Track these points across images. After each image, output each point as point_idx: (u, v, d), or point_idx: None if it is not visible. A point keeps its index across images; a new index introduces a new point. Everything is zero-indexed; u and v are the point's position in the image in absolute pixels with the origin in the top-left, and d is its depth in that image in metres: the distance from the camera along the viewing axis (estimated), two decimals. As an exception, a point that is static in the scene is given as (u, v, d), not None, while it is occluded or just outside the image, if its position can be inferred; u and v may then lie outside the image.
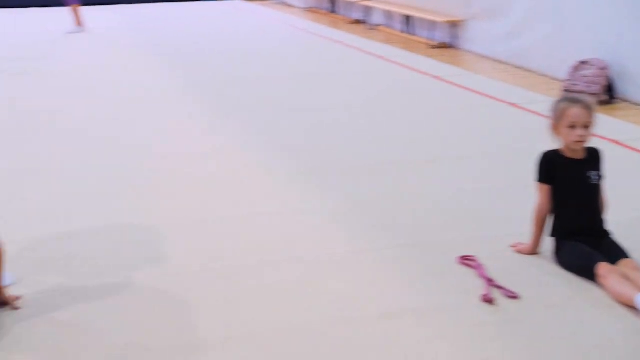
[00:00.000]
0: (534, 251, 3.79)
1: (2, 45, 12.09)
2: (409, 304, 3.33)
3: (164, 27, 14.34)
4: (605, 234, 3.68)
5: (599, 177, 3.71)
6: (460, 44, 11.14)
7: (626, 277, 3.34)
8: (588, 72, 7.62)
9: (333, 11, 16.39)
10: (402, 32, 12.87)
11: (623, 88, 7.58)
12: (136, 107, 7.55)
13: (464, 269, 3.65)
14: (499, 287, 3.43)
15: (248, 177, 5.24)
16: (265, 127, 6.62)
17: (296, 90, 8.25)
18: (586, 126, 3.60)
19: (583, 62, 7.76)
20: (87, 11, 14.44)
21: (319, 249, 3.96)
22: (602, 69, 7.56)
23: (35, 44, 12.18)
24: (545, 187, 3.71)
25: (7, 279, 3.58)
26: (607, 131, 5.91)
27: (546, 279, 3.53)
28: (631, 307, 3.20)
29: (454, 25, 11.27)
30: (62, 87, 8.63)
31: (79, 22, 13.82)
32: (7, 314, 3.27)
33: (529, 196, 3.91)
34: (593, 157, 3.73)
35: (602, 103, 7.31)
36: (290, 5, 18.77)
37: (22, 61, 10.39)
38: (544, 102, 6.67)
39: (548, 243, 3.76)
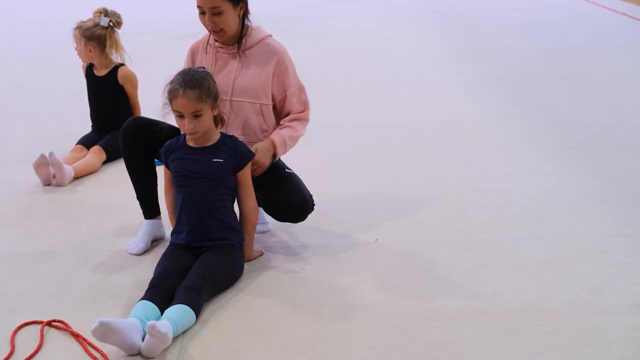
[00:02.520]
0: None
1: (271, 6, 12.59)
2: (667, 296, 3.07)
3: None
4: None
5: None
6: None
7: None
8: None
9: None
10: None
11: None
12: (396, 70, 7.62)
13: None
14: None
15: (507, 148, 5.10)
16: (532, 99, 6.41)
17: (568, 62, 7.89)
18: None
19: None
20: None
21: (572, 229, 3.77)
22: None
23: (301, 6, 12.52)
24: None
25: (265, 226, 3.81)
26: None
27: None
28: None
29: None
30: (336, 50, 8.88)
31: None
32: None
33: None
34: None
35: None
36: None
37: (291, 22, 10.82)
38: None
39: None
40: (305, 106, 3.64)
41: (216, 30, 3.47)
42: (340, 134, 5.55)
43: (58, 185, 4.50)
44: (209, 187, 3.26)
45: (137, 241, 3.63)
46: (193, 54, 3.68)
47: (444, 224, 3.90)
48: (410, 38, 9.76)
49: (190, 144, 3.31)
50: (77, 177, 4.62)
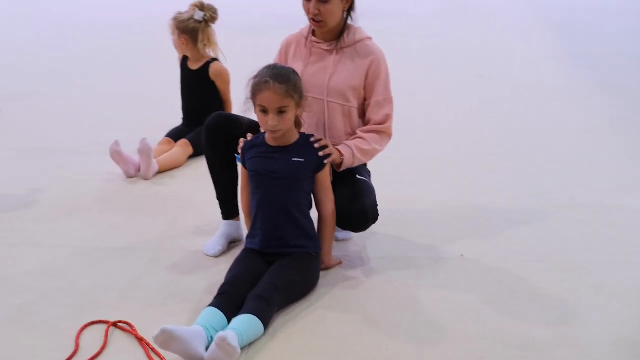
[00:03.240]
0: None
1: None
2: None
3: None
4: None
5: None
6: None
7: None
8: None
9: None
10: None
11: None
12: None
13: None
14: None
15: (611, 162, 4.81)
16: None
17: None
18: None
19: None
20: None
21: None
22: None
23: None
24: None
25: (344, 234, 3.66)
26: None
27: None
28: None
29: None
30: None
31: None
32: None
33: None
34: None
35: None
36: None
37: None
38: None
39: None
40: (386, 119, 3.43)
41: (317, 20, 3.34)
42: (433, 137, 5.35)
43: (142, 177, 4.46)
44: (287, 189, 3.13)
45: (214, 242, 3.53)
46: (287, 47, 3.55)
47: (536, 241, 3.67)
48: (508, 38, 9.44)
49: (270, 142, 3.19)
50: (162, 171, 4.57)
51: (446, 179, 4.54)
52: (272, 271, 3.02)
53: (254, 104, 3.11)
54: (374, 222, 3.36)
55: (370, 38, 3.45)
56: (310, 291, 3.12)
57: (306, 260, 3.13)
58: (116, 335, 2.82)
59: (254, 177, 3.19)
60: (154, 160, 4.51)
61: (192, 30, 4.87)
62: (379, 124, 3.41)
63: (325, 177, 3.21)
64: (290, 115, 3.09)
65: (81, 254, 3.48)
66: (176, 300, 3.06)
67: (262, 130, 3.21)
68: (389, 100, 3.43)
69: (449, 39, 9.44)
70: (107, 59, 8.11)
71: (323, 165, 3.18)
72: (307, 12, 3.34)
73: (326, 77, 3.39)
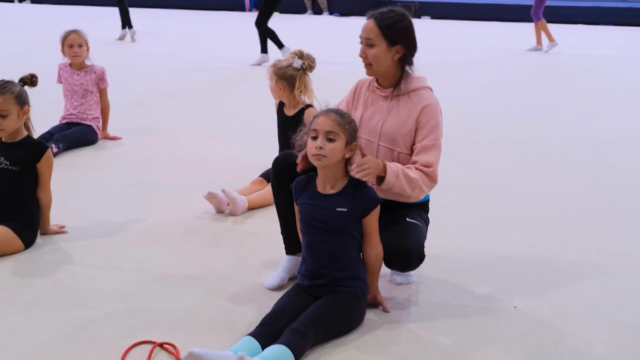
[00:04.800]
0: None
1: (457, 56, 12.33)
2: None
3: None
4: None
5: None
6: None
7: None
8: None
9: None
10: None
11: None
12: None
13: None
14: None
15: None
16: None
17: None
18: None
19: None
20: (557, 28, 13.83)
21: None
22: None
23: (491, 58, 12.09)
24: None
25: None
26: None
27: None
28: None
29: None
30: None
31: (540, 41, 13.28)
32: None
33: None
34: None
35: None
36: None
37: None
38: None
39: None
40: (432, 164, 3.50)
41: (365, 63, 3.54)
42: (508, 193, 5.34)
43: (231, 214, 4.71)
44: (331, 237, 3.25)
45: (274, 276, 3.70)
46: (358, 89, 3.76)
47: (601, 300, 3.61)
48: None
49: (319, 188, 3.32)
50: (252, 208, 4.81)
51: (516, 232, 4.54)
52: (313, 307, 3.14)
53: (308, 132, 3.28)
54: (419, 263, 3.45)
55: (428, 88, 3.56)
56: (350, 330, 3.21)
57: (349, 299, 3.23)
58: (160, 356, 3.02)
59: (302, 222, 3.35)
60: (243, 198, 4.75)
61: (290, 77, 5.08)
62: (424, 166, 3.49)
63: (369, 223, 3.31)
64: (337, 146, 3.22)
65: (154, 279, 3.74)
66: (225, 329, 3.24)
67: (310, 157, 3.30)
68: (436, 146, 3.52)
69: None
70: (210, 101, 8.53)
71: (368, 212, 3.29)
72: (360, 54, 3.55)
73: (380, 122, 3.54)
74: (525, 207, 5.02)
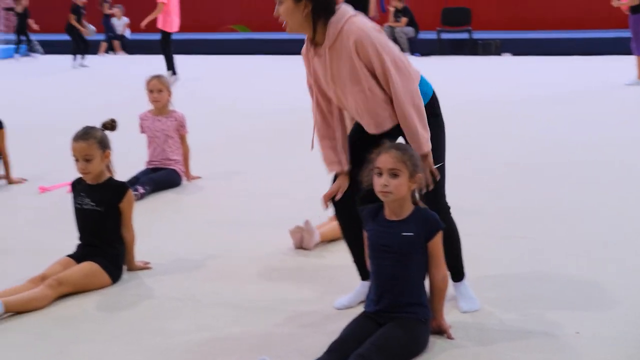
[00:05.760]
0: None
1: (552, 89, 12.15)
2: None
3: None
4: None
5: None
6: None
7: None
8: None
9: None
10: None
11: None
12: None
13: None
14: None
15: None
16: None
17: None
18: None
19: None
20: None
21: None
22: None
23: (586, 92, 11.89)
24: None
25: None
26: None
27: None
28: None
29: None
30: None
31: None
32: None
33: None
34: None
35: None
36: None
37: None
38: None
39: None
40: (393, 93, 3.59)
41: (281, 21, 3.67)
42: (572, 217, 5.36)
43: (304, 247, 4.90)
44: (397, 261, 3.41)
45: (345, 298, 3.91)
46: (304, 57, 3.81)
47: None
48: None
49: (387, 214, 3.48)
50: (324, 241, 4.98)
51: (578, 257, 4.60)
52: (378, 333, 3.29)
53: (373, 170, 3.45)
54: None
55: (348, 18, 3.61)
56: (414, 356, 3.34)
57: (413, 325, 3.36)
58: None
59: (370, 248, 3.52)
60: (317, 232, 4.94)
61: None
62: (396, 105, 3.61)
63: (434, 246, 3.45)
64: (401, 181, 3.38)
65: (228, 310, 3.96)
66: (294, 356, 3.42)
67: (377, 193, 3.46)
68: (381, 73, 3.59)
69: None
70: (284, 143, 8.73)
71: (432, 236, 3.43)
72: None
73: (329, 74, 3.67)
74: (591, 233, 5.06)
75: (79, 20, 17.98)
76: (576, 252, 4.67)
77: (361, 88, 3.63)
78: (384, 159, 3.40)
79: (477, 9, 19.37)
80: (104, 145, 4.43)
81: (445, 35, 18.52)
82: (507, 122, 9.45)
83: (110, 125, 4.61)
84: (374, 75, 3.62)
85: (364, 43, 3.56)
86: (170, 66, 14.14)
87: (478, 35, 18.42)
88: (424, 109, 3.64)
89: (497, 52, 18.03)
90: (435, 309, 3.50)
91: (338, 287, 4.18)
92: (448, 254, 3.61)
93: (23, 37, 19.77)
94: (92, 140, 4.37)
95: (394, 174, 3.38)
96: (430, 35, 18.16)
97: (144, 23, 14.17)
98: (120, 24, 20.38)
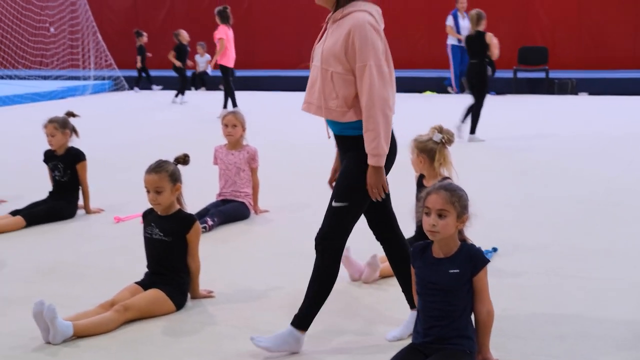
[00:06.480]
0: None
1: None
2: None
3: None
4: None
5: None
6: None
7: None
8: None
9: None
10: None
11: None
12: None
13: None
14: None
15: None
16: None
17: None
18: None
19: None
20: None
21: None
22: None
23: None
24: None
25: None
26: None
27: None
28: None
29: None
30: None
31: None
32: None
33: None
34: None
35: None
36: None
37: None
38: None
39: None
40: (364, 93, 3.73)
41: None
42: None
43: (363, 281, 5.02)
44: (443, 297, 3.52)
45: (396, 330, 4.05)
46: (325, 24, 4.00)
47: None
48: None
49: (434, 253, 3.60)
50: (383, 277, 5.10)
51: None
52: (423, 364, 3.40)
53: (422, 209, 3.58)
54: None
55: (364, 11, 3.81)
56: (458, 387, 3.44)
57: (459, 356, 3.47)
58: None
59: (418, 283, 3.65)
60: (380, 268, 5.07)
61: (430, 151, 5.37)
62: (364, 105, 3.74)
63: (479, 281, 3.56)
64: (448, 222, 3.50)
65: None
66: (345, 383, 3.55)
67: (425, 231, 3.60)
68: (365, 67, 3.73)
69: None
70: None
71: (477, 271, 3.53)
72: None
73: (321, 45, 3.87)
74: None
75: (182, 58, 18.51)
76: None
77: (327, 67, 3.81)
78: (433, 200, 3.52)
79: (554, 48, 19.28)
80: (175, 178, 4.66)
81: (521, 74, 18.46)
82: (581, 160, 9.44)
83: (183, 159, 4.85)
84: (351, 70, 3.78)
85: (358, 32, 3.74)
86: (229, 100, 14.45)
87: (554, 74, 18.30)
88: (391, 124, 3.78)
89: (574, 92, 17.87)
90: (481, 342, 3.58)
91: (390, 319, 4.31)
92: (317, 293, 3.96)
93: (144, 73, 20.26)
94: (164, 174, 4.60)
95: (442, 215, 3.49)
96: (507, 74, 18.12)
97: (212, 63, 14.56)
98: (203, 61, 20.92)
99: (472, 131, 11.05)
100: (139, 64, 20.03)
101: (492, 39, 10.95)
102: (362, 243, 5.06)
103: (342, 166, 3.94)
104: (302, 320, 3.93)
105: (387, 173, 3.90)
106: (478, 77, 11.14)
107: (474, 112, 11.06)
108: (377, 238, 4.11)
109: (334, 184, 4.05)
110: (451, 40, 17.54)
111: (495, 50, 11.01)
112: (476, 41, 11.06)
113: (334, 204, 3.86)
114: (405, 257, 3.95)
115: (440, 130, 5.38)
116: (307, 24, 20.56)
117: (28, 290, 4.94)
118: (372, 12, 3.83)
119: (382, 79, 3.74)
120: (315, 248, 3.92)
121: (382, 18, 3.88)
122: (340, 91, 3.81)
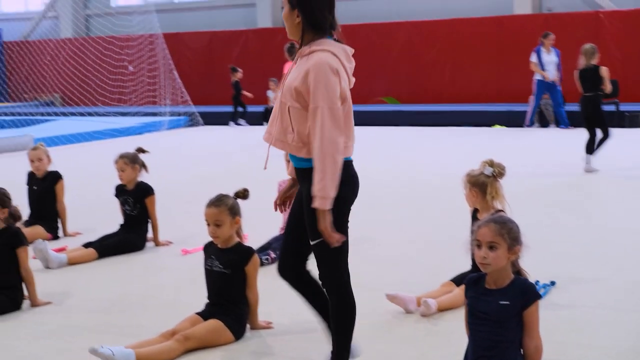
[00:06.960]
0: None
1: None
2: None
3: None
4: None
5: None
6: None
7: None
8: None
9: None
10: None
11: None
12: None
13: None
14: None
15: None
16: None
17: None
18: None
19: None
20: None
21: None
22: None
23: None
24: None
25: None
26: None
27: None
28: None
29: None
30: None
31: None
32: None
33: None
34: None
35: None
36: None
37: None
38: None
39: None
40: (315, 134, 3.77)
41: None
42: None
43: (421, 314, 5.09)
44: (493, 328, 3.57)
45: None
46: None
47: None
48: None
49: (488, 283, 3.65)
50: (441, 310, 5.15)
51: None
52: (473, 394, 3.45)
53: (474, 241, 3.65)
54: None
55: (327, 50, 3.85)
56: (507, 417, 3.47)
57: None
58: None
59: (469, 312, 3.70)
60: (434, 301, 5.13)
61: (482, 184, 5.43)
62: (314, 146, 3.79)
63: (530, 315, 3.59)
64: (499, 254, 3.57)
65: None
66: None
67: (477, 264, 3.68)
68: (314, 109, 3.79)
69: None
70: (413, 210, 8.93)
71: (528, 305, 3.56)
72: None
73: (286, 79, 3.95)
74: None
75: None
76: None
77: (286, 101, 3.90)
78: (483, 232, 3.59)
79: (626, 81, 18.99)
80: (234, 212, 4.82)
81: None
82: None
83: (243, 194, 5.01)
84: (307, 108, 3.84)
85: (315, 73, 3.79)
86: None
87: (625, 107, 18.02)
88: (340, 168, 3.80)
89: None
90: (530, 375, 3.61)
91: (445, 351, 4.35)
92: (340, 330, 3.97)
93: (240, 108, 20.64)
94: (223, 207, 4.77)
95: (492, 247, 3.56)
96: (577, 107, 17.94)
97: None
98: (274, 96, 21.34)
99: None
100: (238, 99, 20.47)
101: (606, 73, 11.02)
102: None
103: (303, 198, 3.96)
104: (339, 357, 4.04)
105: (347, 212, 3.96)
106: (595, 110, 11.20)
107: (600, 142, 11.15)
108: (292, 269, 4.17)
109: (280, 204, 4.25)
110: (537, 76, 17.48)
111: (608, 85, 11.09)
112: (591, 74, 11.08)
113: (312, 242, 3.93)
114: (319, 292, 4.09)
115: (491, 164, 5.45)
116: (377, 59, 20.82)
117: (95, 320, 5.15)
118: (336, 52, 3.87)
119: (334, 121, 3.77)
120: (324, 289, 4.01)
121: (351, 58, 3.98)
122: (296, 126, 3.88)
